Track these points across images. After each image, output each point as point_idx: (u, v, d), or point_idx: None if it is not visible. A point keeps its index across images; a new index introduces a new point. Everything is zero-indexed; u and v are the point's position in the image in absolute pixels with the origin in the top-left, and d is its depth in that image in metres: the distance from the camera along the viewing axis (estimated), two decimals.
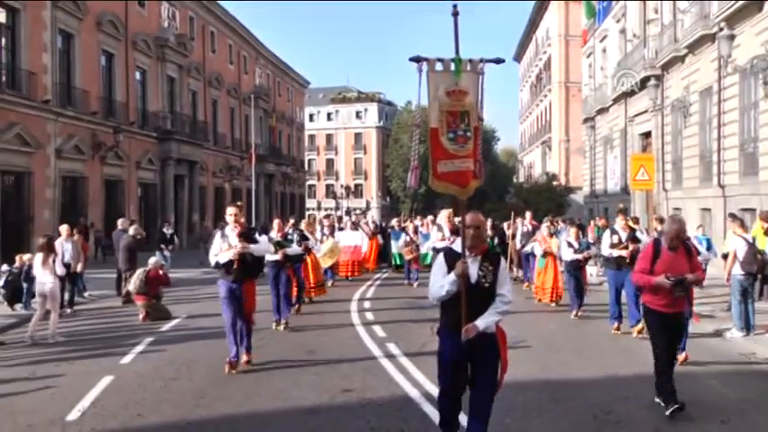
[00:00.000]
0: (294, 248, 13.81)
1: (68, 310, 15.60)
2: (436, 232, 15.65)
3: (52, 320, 12.54)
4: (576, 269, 14.48)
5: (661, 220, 19.18)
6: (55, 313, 12.64)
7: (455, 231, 14.33)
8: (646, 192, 27.75)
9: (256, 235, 10.02)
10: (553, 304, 15.90)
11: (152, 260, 16.27)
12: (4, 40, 25.85)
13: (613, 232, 12.91)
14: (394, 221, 28.92)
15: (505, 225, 25.42)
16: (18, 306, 15.68)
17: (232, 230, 9.65)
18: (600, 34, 40.62)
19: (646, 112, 31.03)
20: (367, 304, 16.61)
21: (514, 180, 77.10)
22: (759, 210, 16.60)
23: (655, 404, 7.90)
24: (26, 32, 26.51)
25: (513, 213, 22.89)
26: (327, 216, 26.68)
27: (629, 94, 32.02)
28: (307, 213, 69.73)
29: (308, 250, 15.33)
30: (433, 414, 7.60)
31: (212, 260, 9.78)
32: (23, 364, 10.47)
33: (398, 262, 24.06)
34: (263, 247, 10.04)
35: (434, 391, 8.46)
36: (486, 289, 5.85)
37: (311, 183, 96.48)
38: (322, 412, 7.77)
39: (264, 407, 8.05)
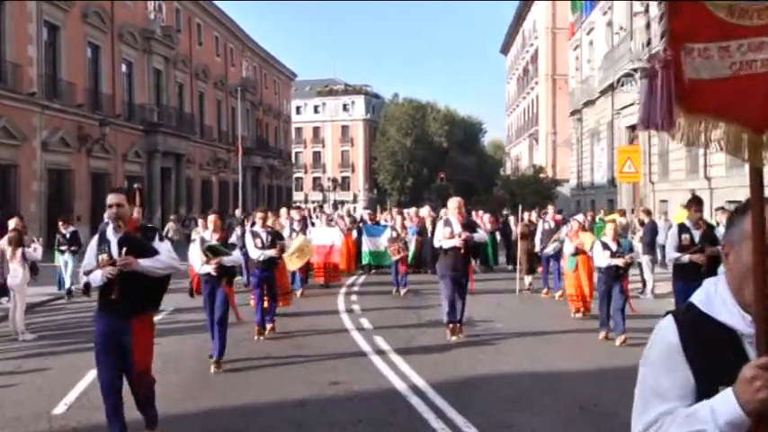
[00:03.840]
0: (234, 257, 9.90)
1: None
2: (443, 227, 11.45)
3: (18, 317, 12.33)
4: (614, 278, 11.25)
5: (648, 213, 19.30)
6: (20, 310, 12.42)
7: (469, 226, 11.42)
8: (632, 184, 27.87)
9: (156, 240, 6.27)
10: (578, 314, 13.43)
11: None
12: None
13: (683, 229, 9.56)
14: (366, 213, 26.16)
15: (511, 219, 23.70)
16: (4, 299, 15.57)
17: (114, 233, 6.21)
18: (587, 27, 40.66)
19: (633, 104, 31.09)
20: (354, 298, 16.62)
21: (501, 172, 77.26)
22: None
23: None
24: (11, 24, 26.33)
25: (499, 205, 21.15)
26: (298, 208, 22.05)
27: (614, 88, 32.11)
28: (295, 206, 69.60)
29: (282, 252, 12.31)
30: (420, 407, 7.63)
31: (82, 280, 6.55)
32: (10, 358, 10.42)
33: (371, 261, 21.17)
34: (162, 262, 6.15)
35: (421, 383, 8.50)
36: None
37: (298, 175, 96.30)
38: (310, 405, 7.77)
39: (252, 400, 8.04)
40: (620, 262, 11.05)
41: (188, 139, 43.16)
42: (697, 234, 9.36)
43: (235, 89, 52.20)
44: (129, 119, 36.60)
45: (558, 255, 15.26)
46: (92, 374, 9.08)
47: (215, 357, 9.52)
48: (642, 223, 17.92)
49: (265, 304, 11.86)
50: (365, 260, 21.35)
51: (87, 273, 6.21)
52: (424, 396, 8.00)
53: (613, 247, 11.24)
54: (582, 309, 13.34)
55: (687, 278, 9.09)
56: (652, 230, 17.68)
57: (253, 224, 13.42)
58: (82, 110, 31.20)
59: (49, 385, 8.69)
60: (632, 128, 32.33)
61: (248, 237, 12.08)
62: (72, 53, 30.90)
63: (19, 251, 12.58)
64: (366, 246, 21.10)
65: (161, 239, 6.36)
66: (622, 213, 21.10)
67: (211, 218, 10.27)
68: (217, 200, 49.39)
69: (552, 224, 17.00)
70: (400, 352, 10.31)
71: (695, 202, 9.75)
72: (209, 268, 9.45)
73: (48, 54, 29.23)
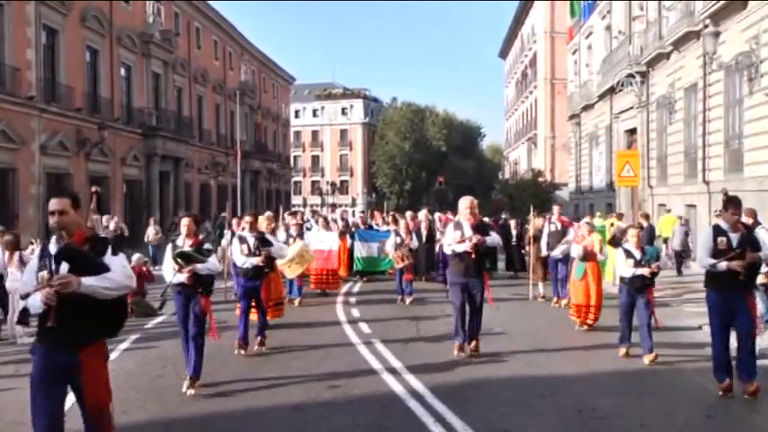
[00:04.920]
0: (210, 264, 8.64)
1: None
2: (453, 231, 10.54)
3: (15, 320, 12.32)
4: (639, 289, 9.94)
5: (647, 217, 19.31)
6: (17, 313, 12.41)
7: (480, 228, 10.46)
8: (631, 188, 27.86)
9: (108, 254, 5.07)
10: (584, 327, 12.56)
11: (135, 257, 16.18)
12: None
13: (719, 232, 8.14)
14: (358, 217, 25.45)
15: (512, 222, 23.39)
16: None
17: (56, 246, 5.10)
18: (585, 31, 40.72)
19: (631, 108, 31.14)
20: (352, 305, 16.60)
21: (500, 176, 77.22)
22: (743, 206, 16.67)
23: (639, 398, 7.94)
24: (10, 28, 26.30)
25: (497, 209, 20.33)
26: (294, 213, 21.02)
27: (615, 90, 32.16)
28: (292, 209, 69.42)
29: (270, 261, 11.11)
30: (419, 411, 7.62)
31: (19, 305, 5.05)
32: (8, 362, 10.41)
33: (363, 268, 20.42)
34: (112, 281, 4.89)
35: (420, 387, 8.50)
36: None
37: (297, 179, 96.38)
38: (308, 408, 7.76)
39: (250, 403, 8.04)
40: (645, 271, 9.82)
41: (186, 142, 43.10)
42: (735, 237, 8.02)
43: (233, 93, 52.18)
44: (128, 122, 36.54)
45: (566, 259, 14.38)
46: None
47: (189, 375, 8.54)
48: (641, 227, 17.91)
49: (253, 317, 11.10)
50: (357, 266, 20.50)
51: (25, 296, 4.96)
52: (423, 400, 7.99)
53: (637, 255, 10.02)
54: (590, 320, 12.50)
55: (721, 288, 8.04)
56: (650, 235, 17.70)
57: (242, 228, 11.84)
58: (80, 113, 31.14)
59: None
60: (631, 132, 32.39)
61: (235, 242, 11.26)
62: (71, 57, 30.87)
63: (16, 255, 12.59)
64: (358, 251, 20.35)
65: (114, 253, 5.12)
66: (620, 217, 21.09)
67: (185, 221, 9.08)
68: (215, 204, 49.35)
69: (559, 225, 16.01)
70: (399, 356, 10.30)
71: (732, 204, 8.26)
72: (183, 277, 8.46)
73: (46, 58, 29.18)
